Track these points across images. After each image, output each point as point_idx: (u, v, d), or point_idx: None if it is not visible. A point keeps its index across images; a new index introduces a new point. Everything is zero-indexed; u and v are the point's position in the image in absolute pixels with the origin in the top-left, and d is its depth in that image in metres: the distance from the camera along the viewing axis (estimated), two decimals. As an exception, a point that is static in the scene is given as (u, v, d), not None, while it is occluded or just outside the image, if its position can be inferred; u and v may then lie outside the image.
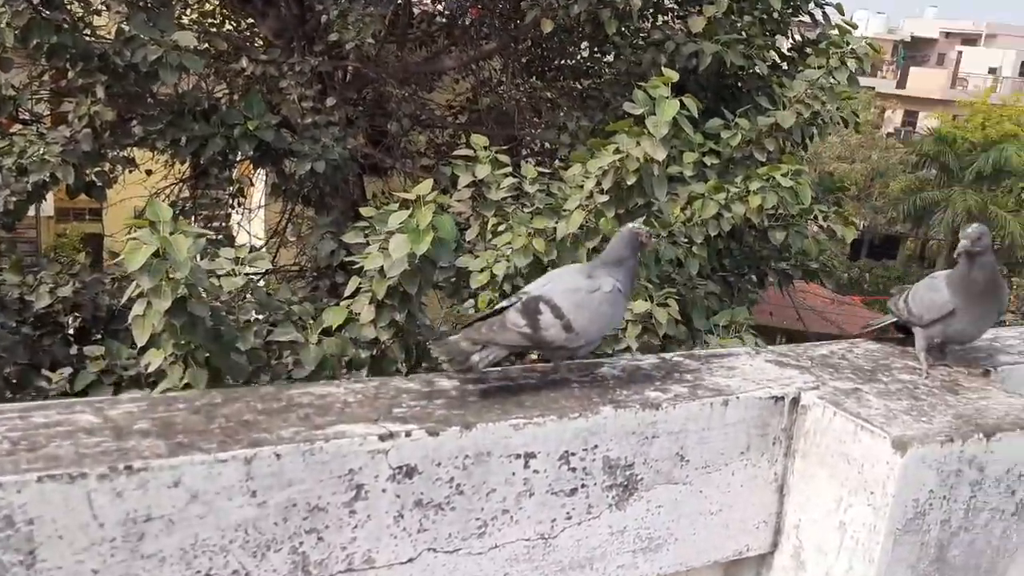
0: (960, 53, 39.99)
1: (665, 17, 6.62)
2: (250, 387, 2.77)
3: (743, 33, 5.67)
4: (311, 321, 3.91)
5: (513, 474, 1.42)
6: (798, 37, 6.49)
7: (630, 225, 1.72)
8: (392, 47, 8.05)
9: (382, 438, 1.32)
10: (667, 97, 3.65)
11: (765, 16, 6.08)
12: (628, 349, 4.26)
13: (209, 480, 1.20)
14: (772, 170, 4.53)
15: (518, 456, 1.42)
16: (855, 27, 5.41)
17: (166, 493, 1.18)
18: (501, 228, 4.39)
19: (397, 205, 3.87)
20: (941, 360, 1.89)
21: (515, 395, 1.52)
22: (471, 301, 4.69)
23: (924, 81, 37.35)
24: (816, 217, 5.26)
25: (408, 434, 1.34)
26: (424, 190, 3.70)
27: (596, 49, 7.56)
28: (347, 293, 3.98)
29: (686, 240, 4.70)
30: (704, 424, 1.55)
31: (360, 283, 3.95)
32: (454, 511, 1.39)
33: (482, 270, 4.42)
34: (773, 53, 6.28)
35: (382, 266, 3.70)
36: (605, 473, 1.49)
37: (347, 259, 5.33)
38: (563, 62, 8.18)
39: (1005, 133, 29.30)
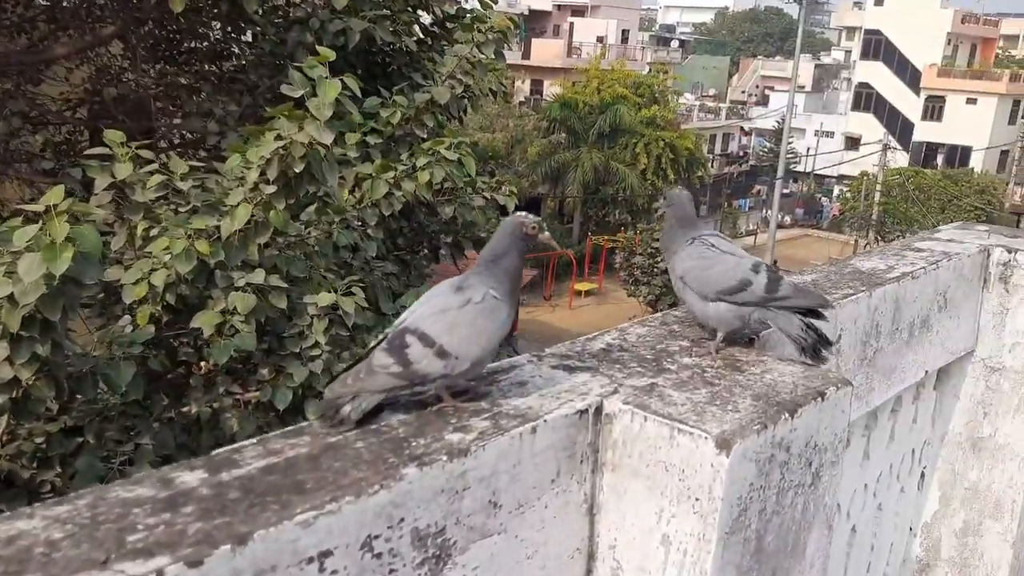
0: (572, 24, 43.92)
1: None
2: None
3: (388, 9, 5.60)
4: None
5: (305, 585, 1.11)
6: (439, 13, 6.56)
7: (516, 214, 1.52)
8: (-18, 34, 6.86)
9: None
10: (327, 77, 3.45)
11: (406, -10, 6.06)
12: (317, 345, 4.04)
13: None
14: (436, 144, 4.53)
15: (310, 560, 1.10)
16: (496, 1, 5.59)
17: None
18: (154, 233, 3.91)
19: (21, 219, 3.27)
20: (703, 334, 1.83)
21: (289, 476, 1.19)
22: (127, 318, 4.16)
23: (545, 51, 40.53)
24: (479, 189, 5.39)
25: (160, 574, 0.97)
26: (56, 199, 3.15)
27: (230, 29, 7.05)
28: (-33, 330, 3.30)
29: (360, 223, 4.56)
30: (515, 459, 1.36)
31: (-16, 316, 3.29)
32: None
33: (137, 282, 3.92)
34: (418, 28, 6.29)
35: (12, 293, 3.11)
36: (415, 548, 1.24)
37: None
38: (195, 44, 7.53)
39: (616, 95, 32.81)
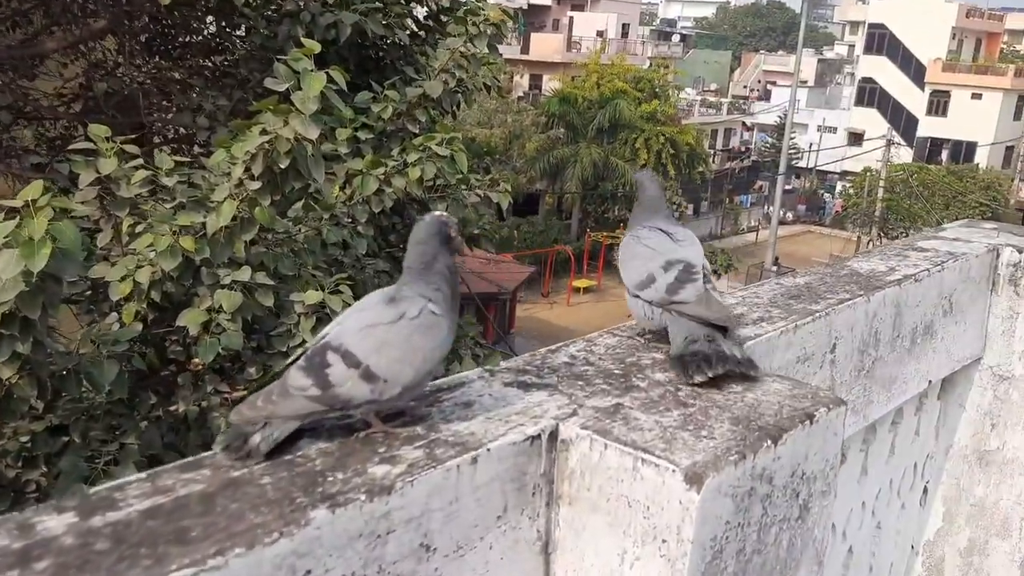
0: (571, 18, 43.79)
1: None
2: None
3: (380, 2, 5.53)
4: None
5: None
6: (433, 6, 6.49)
7: (433, 214, 1.35)
8: (-26, 28, 6.81)
9: None
10: (312, 70, 3.39)
11: (399, -16, 5.99)
12: (304, 344, 3.98)
13: None
14: (428, 140, 4.47)
15: None
16: (489, -5, 5.53)
17: None
18: (139, 229, 3.85)
19: (2, 216, 3.22)
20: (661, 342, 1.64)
21: (174, 521, 1.01)
22: (114, 315, 4.10)
23: (544, 46, 40.38)
24: (471, 185, 5.32)
25: None
26: (34, 193, 3.09)
27: (224, 23, 6.99)
28: (-53, 329, 3.25)
29: (350, 220, 4.50)
30: (451, 496, 1.18)
31: (-36, 314, 3.24)
32: None
33: (123, 279, 3.86)
34: (411, 22, 6.23)
35: (-10, 291, 3.06)
36: (324, 604, 1.06)
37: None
38: (189, 39, 7.47)
39: (616, 90, 32.73)
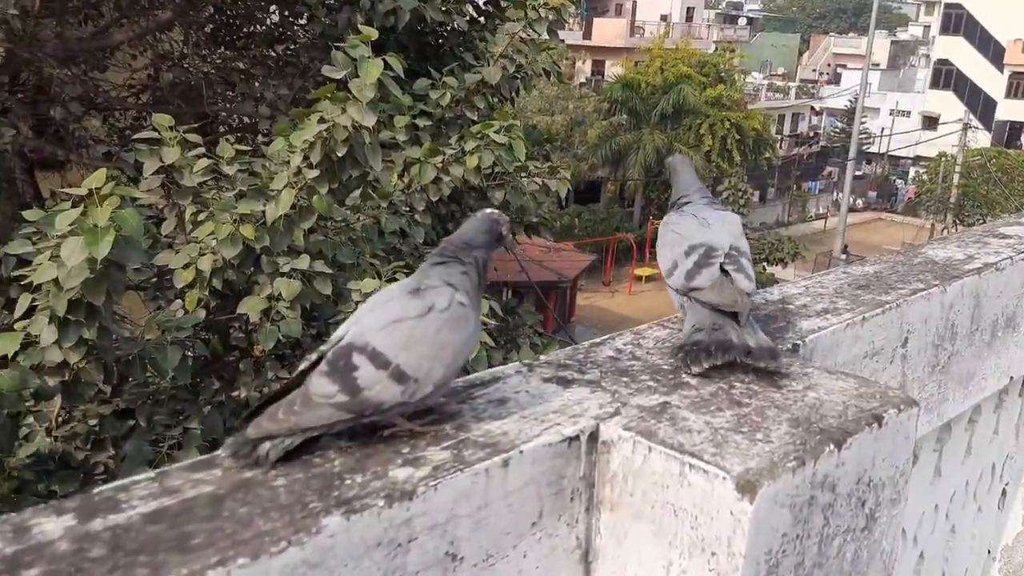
0: (635, 3, 43.24)
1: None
2: None
3: (438, -12, 5.52)
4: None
5: None
6: (492, -9, 6.45)
7: (486, 210, 1.29)
8: (51, 22, 6.98)
9: None
10: (369, 57, 3.38)
11: (459, -31, 5.96)
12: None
13: None
14: (485, 127, 4.43)
15: None
16: (553, -21, 5.45)
17: None
18: (201, 217, 3.90)
19: (70, 203, 3.29)
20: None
21: (178, 526, 0.94)
22: (178, 302, 4.17)
23: (606, 30, 39.98)
24: (530, 173, 5.27)
25: None
26: (98, 182, 3.15)
27: (286, 12, 7.06)
28: (18, 313, 3.34)
29: (408, 208, 4.49)
30: (480, 501, 1.09)
31: (34, 299, 3.33)
32: None
33: (186, 266, 3.92)
34: (470, 7, 6.19)
35: (56, 277, 3.13)
36: (338, 617, 0.97)
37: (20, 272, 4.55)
38: (252, 28, 7.56)
39: (680, 75, 32.24)
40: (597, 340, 1.54)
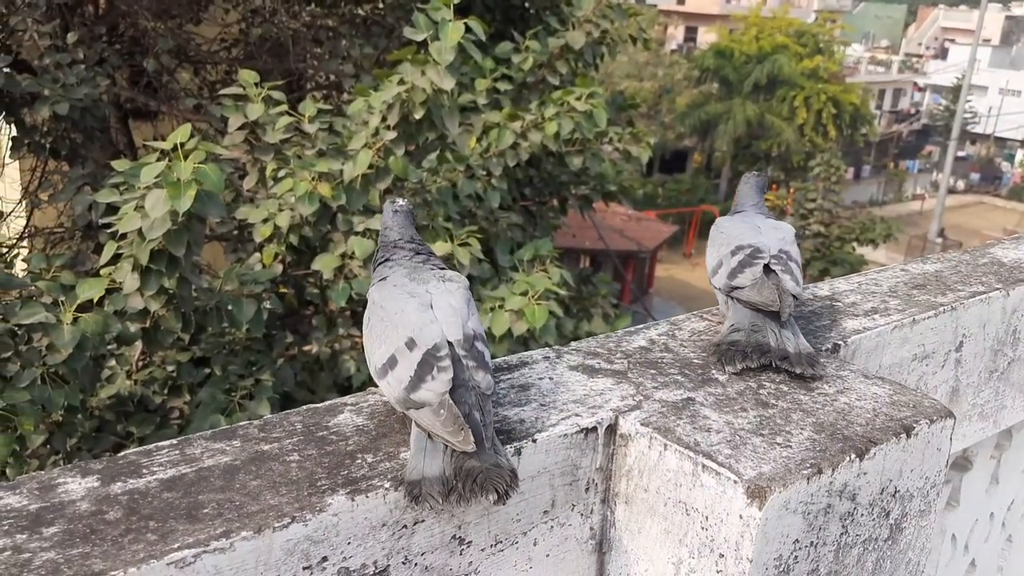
0: (732, -30, 41.93)
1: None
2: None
3: (527, -51, 5.43)
4: (63, 298, 3.36)
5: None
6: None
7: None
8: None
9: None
10: (450, 20, 3.34)
11: (547, -69, 5.84)
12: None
13: None
14: (566, 94, 4.36)
15: None
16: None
17: None
18: (282, 174, 3.96)
19: (155, 156, 3.37)
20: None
21: (192, 494, 0.96)
22: (256, 256, 4.27)
23: (702, -3, 38.91)
24: (611, 139, 5.18)
25: None
26: (182, 136, 3.22)
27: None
28: (103, 260, 3.46)
29: (484, 172, 4.47)
30: None
31: (119, 247, 3.44)
32: None
33: (264, 221, 4.00)
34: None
35: (140, 228, 3.22)
36: (341, 595, 0.98)
37: (107, 220, 4.72)
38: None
39: (777, 44, 31.20)
40: (632, 328, 1.52)
